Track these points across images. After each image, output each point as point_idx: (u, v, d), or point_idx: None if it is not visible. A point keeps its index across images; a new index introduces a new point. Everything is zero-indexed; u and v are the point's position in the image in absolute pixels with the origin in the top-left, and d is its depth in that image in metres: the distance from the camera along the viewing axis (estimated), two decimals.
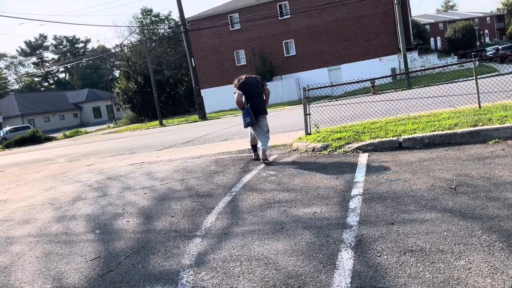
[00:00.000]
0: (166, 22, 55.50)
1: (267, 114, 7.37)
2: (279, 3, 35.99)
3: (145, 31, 48.15)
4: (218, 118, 27.26)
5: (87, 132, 35.75)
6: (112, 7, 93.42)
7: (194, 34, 35.79)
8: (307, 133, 8.95)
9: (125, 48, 47.13)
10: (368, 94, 22.45)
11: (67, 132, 34.77)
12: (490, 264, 2.73)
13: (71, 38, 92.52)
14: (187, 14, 51.10)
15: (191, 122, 26.99)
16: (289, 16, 35.55)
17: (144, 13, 55.09)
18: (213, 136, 13.74)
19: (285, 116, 17.89)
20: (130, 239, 4.41)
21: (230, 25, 37.67)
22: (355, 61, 34.13)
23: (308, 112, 9.12)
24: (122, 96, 46.16)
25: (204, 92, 35.34)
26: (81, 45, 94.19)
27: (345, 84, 9.88)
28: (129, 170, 8.76)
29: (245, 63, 37.70)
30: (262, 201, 4.96)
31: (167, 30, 55.06)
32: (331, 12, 34.08)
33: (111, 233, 4.71)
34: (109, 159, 11.48)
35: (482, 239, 3.08)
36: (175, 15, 62.93)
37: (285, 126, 12.84)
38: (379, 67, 32.83)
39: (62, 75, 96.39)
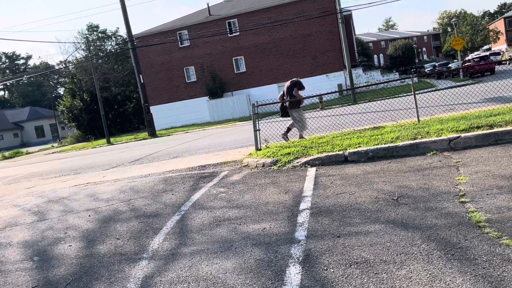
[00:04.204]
0: (113, 38, 54.35)
1: (292, 109, 10.05)
2: (228, 21, 36.38)
3: (91, 48, 46.81)
4: (169, 135, 26.85)
5: (29, 153, 33.90)
6: (55, 22, 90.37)
7: (142, 50, 35.29)
8: (257, 149, 9.00)
9: (70, 64, 45.58)
10: (316, 110, 23.02)
11: (6, 153, 32.78)
12: (429, 272, 2.84)
13: (11, 54, 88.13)
14: (135, 31, 50.36)
15: (140, 140, 26.37)
16: (238, 33, 35.98)
17: (90, 29, 53.68)
18: (162, 153, 13.49)
19: (236, 132, 17.93)
20: (72, 264, 4.19)
21: (179, 42, 37.53)
22: (303, 77, 34.69)
23: (257, 128, 9.20)
24: (67, 114, 44.46)
25: (154, 109, 34.79)
26: (21, 61, 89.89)
27: (293, 100, 10.09)
28: (73, 191, 8.38)
29: (195, 79, 37.61)
30: (212, 219, 4.90)
31: (115, 47, 53.88)
32: (279, 30, 34.88)
33: (51, 259, 4.45)
34: (51, 181, 10.93)
35: (422, 248, 3.21)
36: (123, 32, 61.76)
37: (236, 142, 12.86)
38: (327, 83, 33.87)
39: (0, 93, 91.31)
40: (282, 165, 7.32)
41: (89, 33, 52.91)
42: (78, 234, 5.18)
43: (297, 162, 7.23)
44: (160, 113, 36.82)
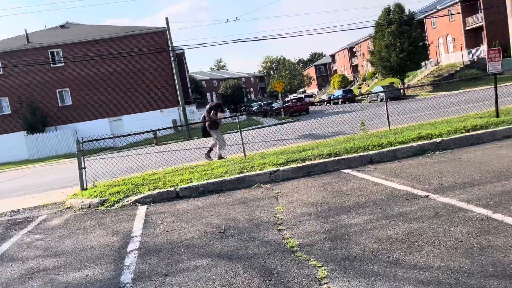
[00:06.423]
0: None
1: (212, 130, 10.51)
2: (51, 50, 33.64)
3: None
4: None
5: None
6: None
7: None
8: (83, 189, 8.35)
9: None
10: (151, 145, 22.71)
11: None
12: None
13: None
14: None
15: None
16: (63, 64, 33.48)
17: None
18: None
19: (60, 170, 16.32)
20: None
21: None
22: (137, 112, 34.31)
23: (83, 166, 8.55)
24: None
25: None
26: None
27: (124, 135, 9.79)
28: None
29: (10, 112, 33.31)
30: (23, 272, 4.29)
31: None
32: (109, 64, 33.71)
33: None
34: None
35: (244, 277, 3.39)
36: None
37: (59, 182, 11.69)
38: (161, 118, 33.87)
39: None
40: (110, 204, 6.92)
41: None
42: None
43: (127, 201, 6.95)
44: None
